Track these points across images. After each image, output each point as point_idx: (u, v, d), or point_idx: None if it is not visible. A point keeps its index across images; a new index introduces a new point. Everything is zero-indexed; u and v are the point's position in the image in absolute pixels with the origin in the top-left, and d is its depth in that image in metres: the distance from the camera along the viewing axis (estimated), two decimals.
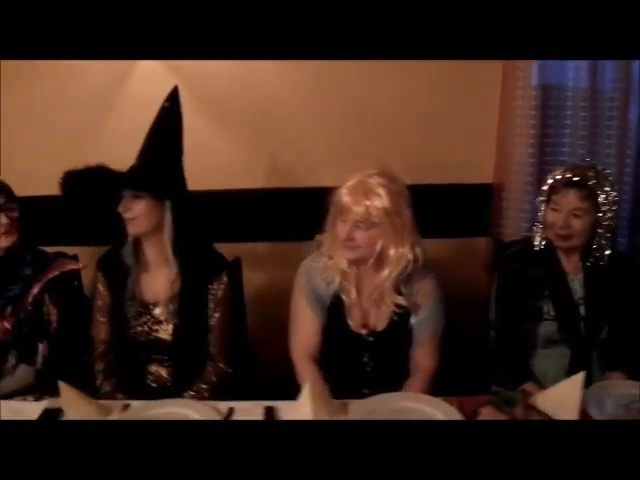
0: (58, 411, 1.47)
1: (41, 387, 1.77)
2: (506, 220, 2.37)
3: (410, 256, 1.60)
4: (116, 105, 2.37)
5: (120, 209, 1.66)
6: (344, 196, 1.59)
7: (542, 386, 1.70)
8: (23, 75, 2.33)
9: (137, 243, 1.75)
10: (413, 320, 1.69)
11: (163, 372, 1.76)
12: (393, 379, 1.69)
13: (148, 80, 2.31)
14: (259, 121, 2.35)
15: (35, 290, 1.79)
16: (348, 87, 2.33)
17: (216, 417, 1.41)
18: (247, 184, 2.40)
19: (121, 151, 2.28)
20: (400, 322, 1.68)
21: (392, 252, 1.59)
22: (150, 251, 1.74)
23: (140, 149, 1.70)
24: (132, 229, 1.67)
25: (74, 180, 1.65)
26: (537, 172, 2.30)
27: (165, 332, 1.73)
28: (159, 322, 1.73)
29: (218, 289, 1.74)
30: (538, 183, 2.31)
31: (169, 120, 1.69)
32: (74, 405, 1.44)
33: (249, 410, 1.48)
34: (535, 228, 1.83)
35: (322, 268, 1.69)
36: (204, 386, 1.71)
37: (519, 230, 2.33)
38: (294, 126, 2.35)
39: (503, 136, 2.33)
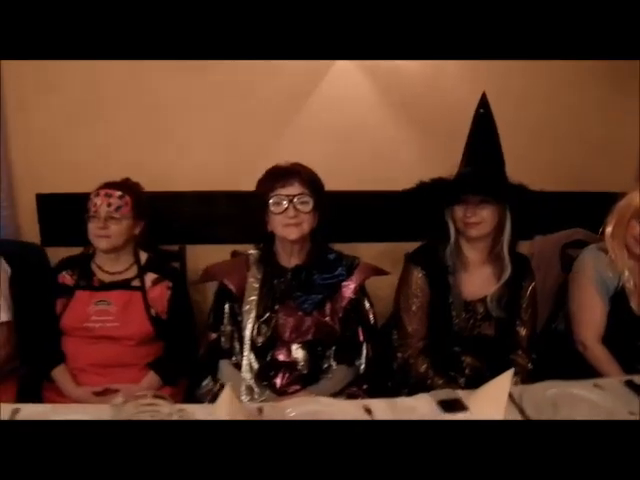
0: None
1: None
2: None
3: None
4: (309, 102, 2.42)
5: (466, 214, 1.76)
6: None
7: None
8: (210, 70, 2.31)
9: (457, 244, 1.85)
10: None
11: (477, 363, 1.87)
12: None
13: (342, 79, 2.40)
14: (445, 123, 2.46)
15: (350, 291, 1.81)
16: (521, 94, 2.48)
17: None
18: None
19: (309, 147, 2.39)
20: None
21: None
22: (472, 252, 1.85)
23: (469, 155, 1.83)
24: (475, 232, 1.77)
25: (430, 188, 1.78)
26: None
27: (488, 327, 1.85)
28: (483, 319, 1.84)
29: (529, 286, 1.89)
30: None
31: (488, 125, 1.82)
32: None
33: None
34: None
35: (609, 262, 1.95)
36: (521, 375, 1.83)
37: None
38: None
39: None
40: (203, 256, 2.31)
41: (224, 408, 1.34)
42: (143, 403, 1.25)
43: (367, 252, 2.32)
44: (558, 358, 2.02)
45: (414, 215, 1.90)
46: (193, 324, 1.97)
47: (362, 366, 1.80)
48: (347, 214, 2.37)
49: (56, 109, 2.35)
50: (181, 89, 2.33)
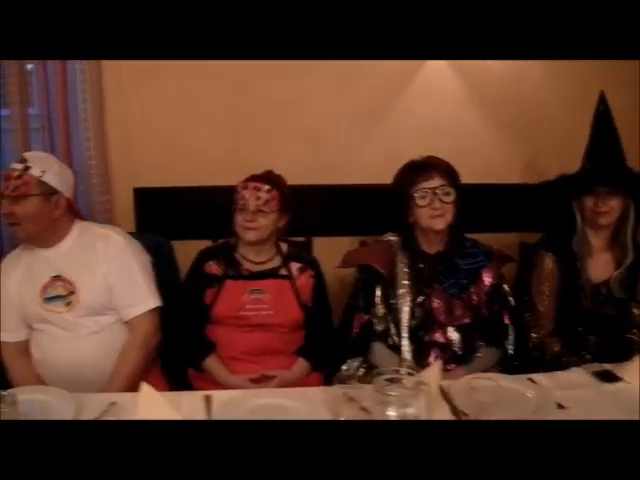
0: None
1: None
2: None
3: None
4: (401, 100, 2.53)
5: (597, 203, 1.90)
6: None
7: None
8: (307, 70, 2.40)
9: (583, 232, 2.00)
10: None
11: (599, 341, 2.02)
12: None
13: (433, 78, 2.52)
14: (526, 121, 2.61)
15: (490, 277, 1.92)
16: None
17: None
18: (504, 179, 2.65)
19: (400, 143, 2.49)
20: None
21: None
22: (596, 239, 2.00)
23: (593, 149, 1.97)
24: (604, 220, 1.92)
25: (568, 180, 1.94)
26: None
27: (610, 308, 1.99)
28: (605, 300, 1.99)
29: None
30: None
31: (610, 121, 1.97)
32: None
33: None
34: None
35: None
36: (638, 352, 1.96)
37: None
38: (556, 131, 2.62)
39: None
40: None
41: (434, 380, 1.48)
42: (386, 378, 1.32)
43: None
44: None
45: (541, 206, 2.04)
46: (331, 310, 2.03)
47: (510, 347, 1.91)
48: None
49: (154, 105, 2.42)
50: (280, 88, 2.42)
